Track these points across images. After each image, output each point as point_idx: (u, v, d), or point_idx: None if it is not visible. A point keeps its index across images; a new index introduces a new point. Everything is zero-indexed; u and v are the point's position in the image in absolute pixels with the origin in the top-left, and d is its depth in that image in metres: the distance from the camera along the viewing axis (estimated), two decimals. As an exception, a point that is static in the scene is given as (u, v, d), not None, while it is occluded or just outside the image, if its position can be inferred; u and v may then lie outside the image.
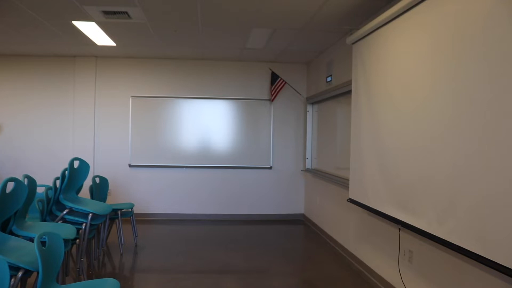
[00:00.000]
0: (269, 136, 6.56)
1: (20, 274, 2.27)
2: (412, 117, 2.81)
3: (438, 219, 2.47)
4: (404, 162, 2.92)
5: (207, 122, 6.48)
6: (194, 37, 4.97)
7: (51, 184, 3.71)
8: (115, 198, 6.22)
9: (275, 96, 6.33)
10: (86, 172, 4.01)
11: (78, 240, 3.57)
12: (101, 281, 2.50)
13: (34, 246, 2.04)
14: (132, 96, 6.36)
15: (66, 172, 3.71)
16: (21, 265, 2.27)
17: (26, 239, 2.74)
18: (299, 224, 6.33)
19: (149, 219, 6.35)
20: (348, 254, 4.50)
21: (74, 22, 4.35)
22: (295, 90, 6.41)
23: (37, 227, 3.01)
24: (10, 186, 2.63)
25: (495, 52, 2.00)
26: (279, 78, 6.25)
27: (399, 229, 3.18)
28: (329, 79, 5.29)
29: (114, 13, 3.99)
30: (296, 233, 5.87)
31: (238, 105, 6.50)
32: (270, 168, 6.57)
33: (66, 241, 2.78)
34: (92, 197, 4.40)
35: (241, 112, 6.52)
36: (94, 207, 3.79)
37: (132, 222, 4.98)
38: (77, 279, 3.63)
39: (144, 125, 6.39)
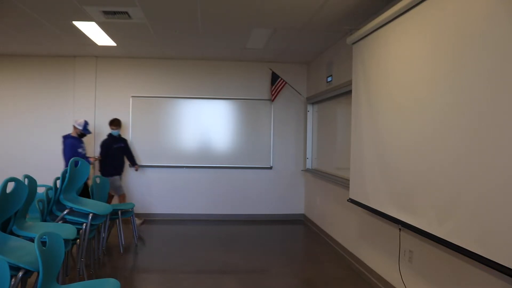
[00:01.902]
0: (269, 136, 6.56)
1: (20, 274, 2.27)
2: (412, 117, 2.81)
3: (438, 219, 2.47)
4: (404, 162, 2.92)
5: (207, 122, 6.47)
6: (194, 37, 4.97)
7: (51, 184, 3.71)
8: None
9: (275, 96, 6.33)
10: (86, 172, 4.00)
11: (78, 240, 3.57)
12: (101, 281, 2.50)
13: (34, 246, 2.03)
14: (132, 96, 6.36)
15: (67, 172, 3.71)
16: (22, 265, 2.27)
17: (26, 239, 2.74)
18: (299, 224, 6.33)
19: (149, 219, 6.35)
20: (348, 254, 4.50)
21: (75, 22, 4.35)
22: (295, 90, 6.41)
23: (37, 227, 3.01)
24: (11, 186, 2.63)
25: (495, 52, 2.00)
26: (280, 78, 6.24)
27: (400, 229, 3.18)
28: (329, 79, 5.29)
29: (114, 13, 3.99)
30: (296, 233, 5.87)
31: (238, 105, 6.49)
32: (270, 168, 6.57)
33: (66, 241, 2.77)
34: (92, 197, 4.40)
35: (241, 112, 6.52)
36: (95, 207, 3.79)
37: (132, 222, 4.98)
38: (78, 279, 3.62)
39: (144, 125, 6.39)
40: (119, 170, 5.80)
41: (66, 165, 4.92)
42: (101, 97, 6.35)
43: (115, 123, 5.77)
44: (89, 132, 5.42)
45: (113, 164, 5.70)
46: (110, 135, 5.74)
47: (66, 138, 5.29)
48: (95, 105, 6.33)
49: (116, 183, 5.67)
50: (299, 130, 6.61)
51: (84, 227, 3.59)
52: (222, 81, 6.49)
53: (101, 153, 5.64)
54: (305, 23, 4.24)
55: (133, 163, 6.05)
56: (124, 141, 5.95)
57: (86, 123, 5.35)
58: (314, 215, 6.04)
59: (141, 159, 6.38)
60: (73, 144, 5.20)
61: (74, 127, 5.31)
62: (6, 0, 3.65)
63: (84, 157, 5.23)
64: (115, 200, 5.93)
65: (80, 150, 5.25)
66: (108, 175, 5.52)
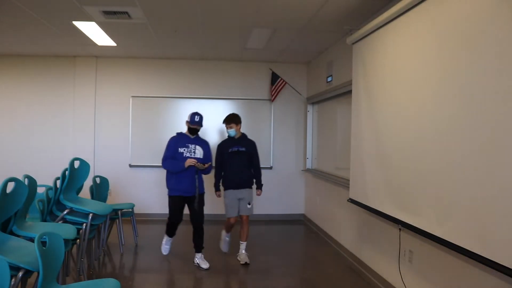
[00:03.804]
0: (269, 136, 6.55)
1: (20, 274, 2.27)
2: (413, 117, 2.81)
3: (438, 219, 2.47)
4: (405, 162, 2.92)
5: (207, 122, 6.41)
6: (194, 37, 4.97)
7: (51, 184, 3.71)
8: (115, 198, 6.21)
9: (275, 96, 6.32)
10: (86, 172, 4.00)
11: (78, 240, 3.57)
12: (101, 281, 2.50)
13: (34, 246, 2.03)
14: (132, 96, 6.36)
15: (67, 172, 3.71)
16: (22, 265, 2.27)
17: (27, 239, 2.74)
18: (299, 224, 6.33)
19: (149, 219, 6.35)
20: (348, 254, 4.50)
21: (74, 22, 4.35)
22: (295, 90, 6.41)
23: (37, 227, 3.01)
24: (11, 186, 2.63)
25: (497, 51, 1.99)
26: (280, 78, 6.25)
27: (399, 229, 3.18)
28: (329, 79, 5.28)
29: (114, 13, 3.99)
30: (296, 233, 5.87)
31: (238, 105, 6.49)
32: (271, 168, 6.56)
33: (66, 241, 2.77)
34: (92, 197, 4.40)
35: (241, 112, 6.47)
36: (95, 207, 3.79)
37: (132, 222, 4.98)
38: (78, 279, 3.63)
39: (144, 125, 6.39)
40: (237, 183, 4.23)
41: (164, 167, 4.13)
42: (101, 97, 6.34)
43: (227, 119, 4.34)
44: (198, 124, 4.12)
45: (228, 173, 4.27)
46: (228, 136, 4.39)
47: None
48: (95, 105, 6.33)
49: (226, 201, 4.28)
50: (299, 130, 6.61)
51: (84, 227, 3.59)
52: (222, 81, 6.48)
53: (215, 159, 4.32)
54: (305, 23, 4.24)
55: (257, 182, 4.41)
56: (248, 144, 4.35)
57: (193, 114, 4.11)
58: (314, 215, 6.04)
59: (141, 159, 6.38)
60: (171, 142, 4.16)
61: (186, 122, 4.21)
62: (6, 0, 3.65)
63: (185, 159, 4.02)
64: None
65: (182, 149, 4.06)
66: (224, 187, 4.31)
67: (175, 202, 4.15)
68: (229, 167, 4.24)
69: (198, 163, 3.96)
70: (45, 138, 6.30)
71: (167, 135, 6.28)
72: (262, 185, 4.43)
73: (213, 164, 4.26)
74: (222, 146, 4.31)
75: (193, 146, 4.11)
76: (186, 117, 4.22)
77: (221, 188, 4.37)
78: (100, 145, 6.35)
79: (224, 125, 4.37)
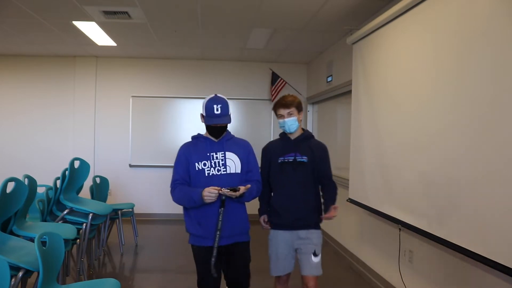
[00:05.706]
0: (269, 136, 6.54)
1: (20, 274, 2.27)
2: (413, 117, 2.81)
3: (438, 219, 2.47)
4: (404, 161, 2.92)
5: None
6: (194, 37, 4.97)
7: (51, 184, 3.71)
8: (115, 198, 6.21)
9: (275, 96, 6.31)
10: (86, 172, 4.01)
11: (78, 240, 3.57)
12: (101, 281, 2.50)
13: (34, 246, 2.03)
14: (132, 96, 6.36)
15: (67, 172, 3.71)
16: (22, 265, 2.27)
17: (27, 239, 2.74)
18: (299, 224, 6.32)
19: (149, 219, 6.34)
20: (348, 254, 4.50)
21: (74, 22, 4.35)
22: (296, 90, 6.41)
23: (37, 227, 3.01)
24: (11, 186, 2.63)
25: (497, 51, 1.99)
26: (280, 78, 6.25)
27: (399, 229, 3.18)
28: (329, 79, 5.28)
29: (115, 13, 4.00)
30: (296, 233, 5.85)
31: (238, 105, 6.49)
32: (270, 168, 6.55)
33: (66, 241, 2.78)
34: (92, 197, 4.40)
35: (241, 112, 6.52)
36: (95, 207, 3.79)
37: (132, 222, 4.98)
38: (78, 279, 3.62)
39: (144, 125, 6.39)
40: (292, 219, 2.46)
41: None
42: (101, 97, 6.35)
43: (282, 102, 2.45)
44: (221, 120, 2.25)
45: (277, 200, 2.53)
46: (280, 135, 2.60)
47: None
48: (95, 105, 6.33)
49: (270, 248, 2.71)
50: (299, 130, 6.60)
51: (84, 227, 3.59)
52: (222, 81, 6.49)
53: (260, 171, 2.47)
54: (305, 23, 4.24)
55: (329, 199, 2.47)
56: (313, 149, 2.47)
57: (210, 102, 2.28)
58: (314, 215, 6.03)
59: (141, 159, 6.37)
60: (180, 155, 2.40)
61: (201, 117, 2.38)
62: (6, 0, 3.65)
63: (209, 179, 2.23)
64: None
65: (201, 164, 2.27)
66: (271, 225, 2.63)
67: (197, 255, 2.52)
68: (279, 189, 2.50)
69: (228, 190, 2.11)
70: (45, 138, 6.30)
71: (167, 135, 6.36)
72: (336, 207, 2.39)
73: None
74: (270, 150, 2.56)
75: (220, 154, 2.29)
76: (201, 109, 2.36)
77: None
78: (100, 145, 6.35)
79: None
